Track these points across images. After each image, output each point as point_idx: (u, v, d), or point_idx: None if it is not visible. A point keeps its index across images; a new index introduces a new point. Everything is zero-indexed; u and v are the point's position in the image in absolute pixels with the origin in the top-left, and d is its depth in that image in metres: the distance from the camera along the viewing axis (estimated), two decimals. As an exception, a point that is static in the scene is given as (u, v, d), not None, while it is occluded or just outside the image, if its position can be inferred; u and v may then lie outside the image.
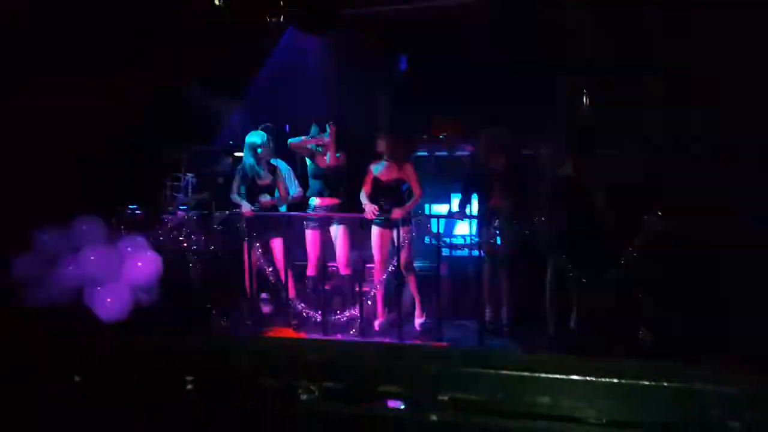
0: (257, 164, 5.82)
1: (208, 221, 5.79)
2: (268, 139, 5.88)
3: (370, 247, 5.86)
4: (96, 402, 1.42)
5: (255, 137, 5.84)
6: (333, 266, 6.19)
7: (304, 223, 5.96)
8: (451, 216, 6.22)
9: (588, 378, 1.07)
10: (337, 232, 5.91)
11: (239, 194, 5.88)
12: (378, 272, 5.83)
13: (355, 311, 5.80)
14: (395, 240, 5.60)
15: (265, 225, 5.88)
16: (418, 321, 5.85)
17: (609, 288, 5.19)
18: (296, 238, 6.08)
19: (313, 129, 5.96)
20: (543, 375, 1.09)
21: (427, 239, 6.12)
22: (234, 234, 5.97)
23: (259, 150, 5.80)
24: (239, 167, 5.95)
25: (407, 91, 7.04)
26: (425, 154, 7.12)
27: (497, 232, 5.45)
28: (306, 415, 1.19)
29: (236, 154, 7.38)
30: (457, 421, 1.13)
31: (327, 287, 6.03)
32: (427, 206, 6.80)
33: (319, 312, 5.81)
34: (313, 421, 1.20)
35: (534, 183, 5.71)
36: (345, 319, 5.85)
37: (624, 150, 6.02)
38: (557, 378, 1.08)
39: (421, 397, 1.15)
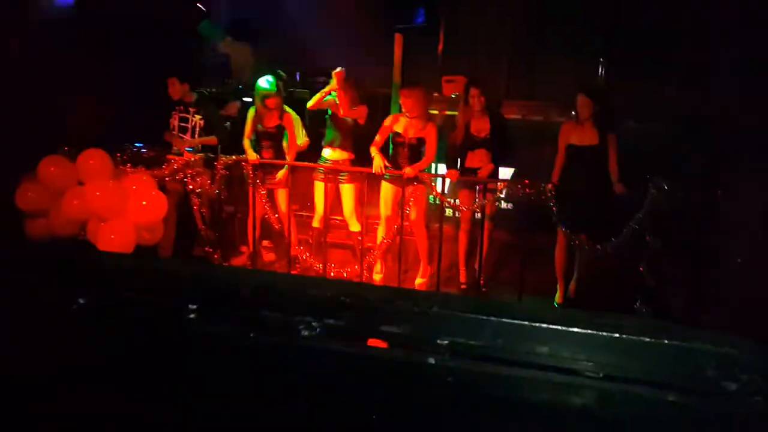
0: (263, 110, 5.77)
1: (213, 164, 5.77)
2: (277, 85, 5.79)
3: (375, 204, 5.84)
4: (99, 326, 1.43)
5: (264, 83, 5.76)
6: (336, 219, 6.19)
7: (314, 173, 5.91)
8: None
9: (588, 331, 1.08)
10: (344, 188, 5.85)
11: (250, 139, 5.86)
12: (382, 228, 5.81)
13: (356, 266, 5.82)
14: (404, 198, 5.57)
15: (270, 174, 5.85)
16: (419, 282, 5.85)
17: (610, 258, 5.21)
18: (302, 188, 6.05)
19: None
20: (544, 325, 1.10)
21: (431, 198, 6.10)
22: (239, 179, 5.96)
23: (266, 97, 5.73)
24: (249, 111, 5.91)
25: (423, 45, 6.92)
26: (435, 112, 7.05)
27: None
28: (305, 350, 1.21)
29: (245, 99, 7.33)
30: (454, 366, 1.15)
31: (328, 240, 6.03)
32: (433, 166, 6.76)
33: (320, 263, 5.83)
34: (313, 356, 1.21)
35: (512, 147, 5.66)
36: (346, 273, 5.86)
37: (640, 121, 5.97)
38: (558, 329, 1.09)
39: (420, 339, 1.16)
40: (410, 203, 5.58)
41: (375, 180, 5.74)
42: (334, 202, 5.98)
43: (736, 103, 5.05)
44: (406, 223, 5.67)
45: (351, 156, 5.85)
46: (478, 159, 5.56)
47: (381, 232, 5.79)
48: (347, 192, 5.82)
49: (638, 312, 5.09)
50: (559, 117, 6.27)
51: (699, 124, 5.63)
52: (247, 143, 5.82)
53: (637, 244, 5.08)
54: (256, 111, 5.82)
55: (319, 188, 5.90)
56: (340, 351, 1.22)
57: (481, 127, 5.53)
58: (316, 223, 6.01)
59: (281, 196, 5.91)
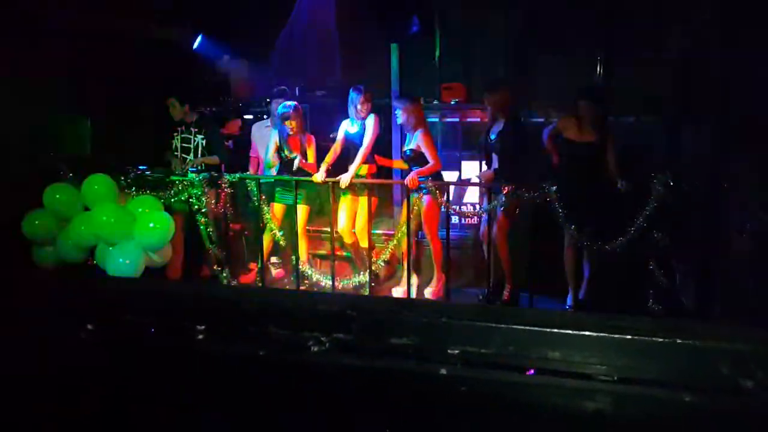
0: (287, 135, 5.78)
1: (217, 183, 5.78)
2: (297, 108, 5.80)
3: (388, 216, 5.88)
4: (109, 351, 1.43)
5: (285, 107, 5.77)
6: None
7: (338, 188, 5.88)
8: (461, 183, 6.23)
9: (600, 334, 1.07)
10: (364, 201, 5.81)
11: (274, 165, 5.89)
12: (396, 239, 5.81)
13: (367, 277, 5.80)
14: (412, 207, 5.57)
15: (291, 190, 5.85)
16: (431, 290, 5.83)
17: (619, 257, 5.18)
18: (322, 204, 6.05)
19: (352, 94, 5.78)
20: (554, 330, 1.09)
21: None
22: (244, 197, 5.96)
23: (286, 118, 5.74)
24: (274, 135, 5.91)
25: (419, 54, 6.94)
26: (435, 120, 7.06)
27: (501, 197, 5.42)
28: (315, 366, 1.20)
29: (245, 116, 7.36)
30: (466, 375, 1.13)
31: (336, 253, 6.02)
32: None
33: (330, 277, 5.82)
34: (323, 371, 1.20)
35: (525, 149, 5.63)
36: (356, 285, 5.84)
37: (639, 117, 5.96)
38: (569, 333, 1.08)
39: (431, 350, 1.15)
40: (419, 212, 5.60)
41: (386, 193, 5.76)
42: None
43: (735, 94, 5.04)
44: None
45: (372, 169, 5.85)
46: (492, 163, 5.60)
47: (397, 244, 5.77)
48: (364, 205, 5.81)
49: (651, 310, 5.06)
50: (558, 117, 6.26)
51: (699, 117, 5.61)
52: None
53: (646, 241, 5.05)
54: (280, 137, 5.84)
55: (344, 203, 5.89)
56: (350, 365, 1.21)
57: (495, 130, 5.57)
58: (342, 236, 5.98)
59: (300, 212, 5.88)
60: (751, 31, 4.70)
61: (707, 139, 5.31)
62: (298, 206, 5.86)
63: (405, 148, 5.70)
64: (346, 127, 5.82)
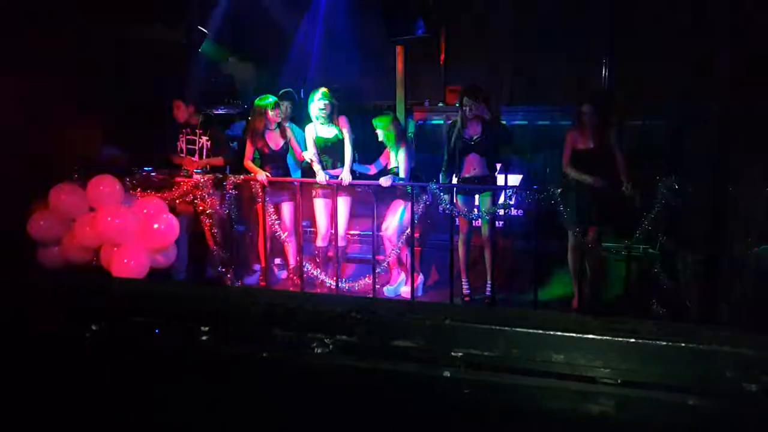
0: (267, 128, 5.77)
1: (222, 184, 5.78)
2: (278, 103, 5.80)
3: (377, 217, 5.90)
4: (113, 351, 1.43)
5: (265, 100, 5.77)
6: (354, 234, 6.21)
7: (312, 192, 5.89)
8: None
9: (604, 337, 1.07)
10: (340, 202, 5.82)
11: (252, 160, 5.87)
12: (388, 240, 5.83)
13: (367, 280, 5.79)
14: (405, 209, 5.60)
15: (277, 190, 5.86)
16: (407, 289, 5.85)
17: (624, 260, 5.17)
18: (306, 204, 6.05)
19: (329, 97, 5.76)
20: (558, 333, 1.09)
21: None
22: (248, 198, 5.96)
23: (270, 113, 5.72)
24: (249, 131, 5.89)
25: (425, 56, 6.95)
26: (440, 122, 7.06)
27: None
28: (319, 368, 1.20)
29: (250, 118, 7.36)
30: (470, 378, 1.13)
31: (332, 255, 6.03)
32: (441, 175, 6.74)
33: (333, 279, 5.82)
34: (326, 373, 1.21)
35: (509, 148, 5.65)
36: (357, 287, 5.84)
37: (645, 119, 5.95)
38: (572, 336, 1.08)
39: (434, 352, 1.15)
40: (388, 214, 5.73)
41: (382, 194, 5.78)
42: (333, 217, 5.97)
43: (739, 97, 5.03)
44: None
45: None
46: (472, 163, 5.60)
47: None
48: (341, 204, 5.81)
49: (655, 313, 5.05)
50: (564, 120, 6.25)
51: (704, 121, 5.60)
52: (250, 163, 5.82)
53: (651, 244, 5.04)
54: (257, 131, 5.80)
55: (320, 206, 5.89)
56: (353, 367, 1.21)
57: (472, 132, 5.59)
58: (321, 241, 5.99)
59: (286, 212, 5.90)
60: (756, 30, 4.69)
61: (712, 141, 5.30)
62: (284, 204, 5.87)
63: (393, 167, 5.72)
64: (317, 132, 5.77)
